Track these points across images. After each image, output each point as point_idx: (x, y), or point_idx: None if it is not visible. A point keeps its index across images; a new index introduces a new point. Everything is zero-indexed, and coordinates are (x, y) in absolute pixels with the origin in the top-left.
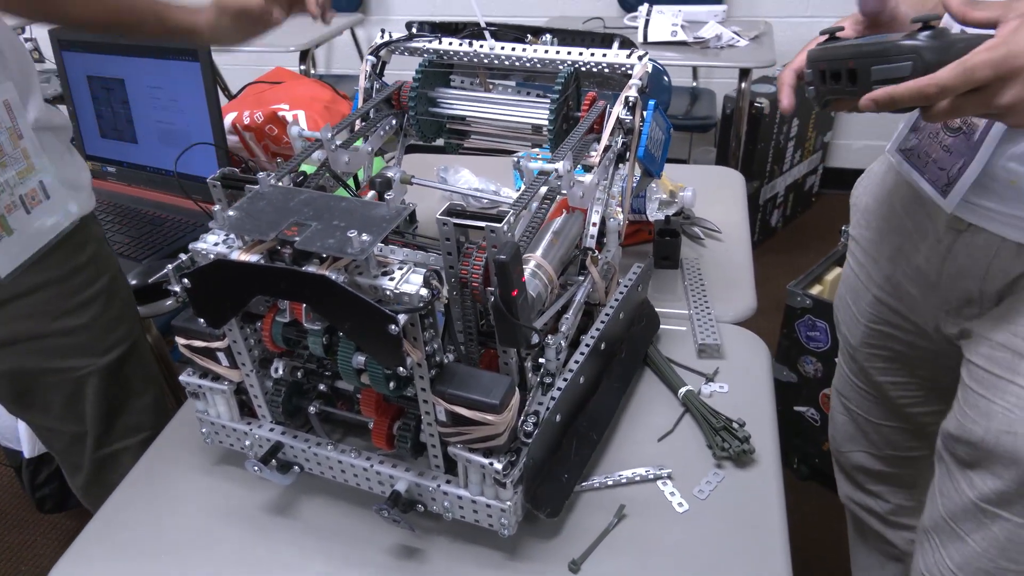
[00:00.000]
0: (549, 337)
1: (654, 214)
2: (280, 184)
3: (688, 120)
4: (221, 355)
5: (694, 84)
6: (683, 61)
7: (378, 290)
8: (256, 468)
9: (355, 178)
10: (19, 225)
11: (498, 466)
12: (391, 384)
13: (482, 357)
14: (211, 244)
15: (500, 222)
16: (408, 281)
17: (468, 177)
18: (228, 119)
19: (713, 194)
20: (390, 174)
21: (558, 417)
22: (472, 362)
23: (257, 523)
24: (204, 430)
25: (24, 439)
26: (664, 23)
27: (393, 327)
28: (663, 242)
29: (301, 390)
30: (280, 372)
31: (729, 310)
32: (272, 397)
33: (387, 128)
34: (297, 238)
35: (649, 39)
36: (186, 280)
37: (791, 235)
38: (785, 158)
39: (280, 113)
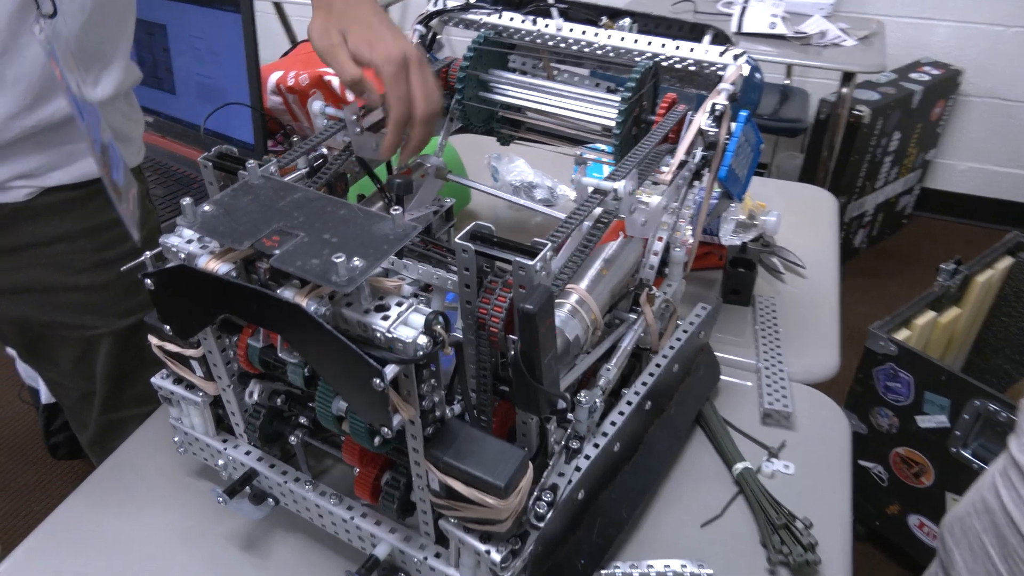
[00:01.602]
0: (582, 393)
1: (728, 238)
2: (275, 175)
3: (775, 121)
4: (196, 364)
5: (786, 82)
6: (779, 57)
7: (368, 329)
8: (220, 499)
9: (388, 164)
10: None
11: (496, 557)
12: (375, 440)
13: (497, 410)
14: (184, 240)
15: (534, 257)
16: (406, 323)
17: (523, 168)
18: (273, 78)
19: (799, 217)
20: (428, 165)
21: (581, 494)
22: (484, 416)
23: (216, 559)
24: (177, 439)
25: (42, 384)
26: (763, 13)
27: (378, 382)
28: (735, 274)
29: (282, 416)
30: (256, 397)
31: (806, 366)
32: (250, 419)
33: None
34: (277, 250)
35: (743, 29)
36: (148, 281)
37: (876, 259)
38: (879, 174)
39: (327, 77)
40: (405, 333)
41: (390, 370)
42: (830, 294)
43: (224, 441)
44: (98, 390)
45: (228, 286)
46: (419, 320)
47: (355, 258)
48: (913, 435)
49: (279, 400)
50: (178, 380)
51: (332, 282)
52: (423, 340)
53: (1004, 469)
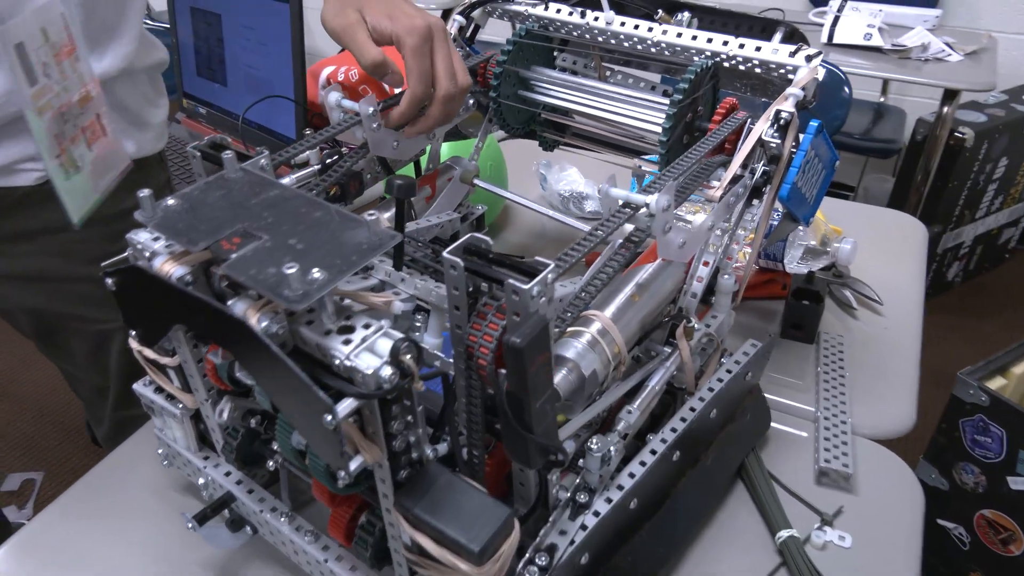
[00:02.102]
0: (594, 440)
1: (794, 265)
2: (265, 168)
3: (866, 141)
4: (173, 373)
5: (881, 99)
6: (873, 71)
7: (327, 354)
8: (190, 525)
9: (416, 164)
10: (83, 163)
11: None
12: (337, 481)
13: (494, 450)
14: (149, 237)
15: (533, 277)
16: (372, 349)
17: (574, 178)
18: (325, 72)
19: (881, 246)
20: (452, 169)
21: (586, 558)
22: (474, 459)
23: None
24: (160, 451)
25: None
26: (858, 23)
27: (328, 419)
28: (798, 306)
29: (260, 437)
30: (225, 416)
31: (875, 419)
32: (227, 438)
33: (463, 109)
34: (234, 254)
35: (835, 40)
36: (109, 280)
37: (971, 295)
38: (981, 203)
39: None
40: (366, 362)
41: (344, 406)
42: (910, 336)
43: (206, 458)
44: (112, 386)
45: (177, 293)
46: (385, 346)
47: (315, 269)
48: (1003, 497)
49: (253, 421)
50: (160, 389)
51: (283, 296)
52: (387, 372)
53: None
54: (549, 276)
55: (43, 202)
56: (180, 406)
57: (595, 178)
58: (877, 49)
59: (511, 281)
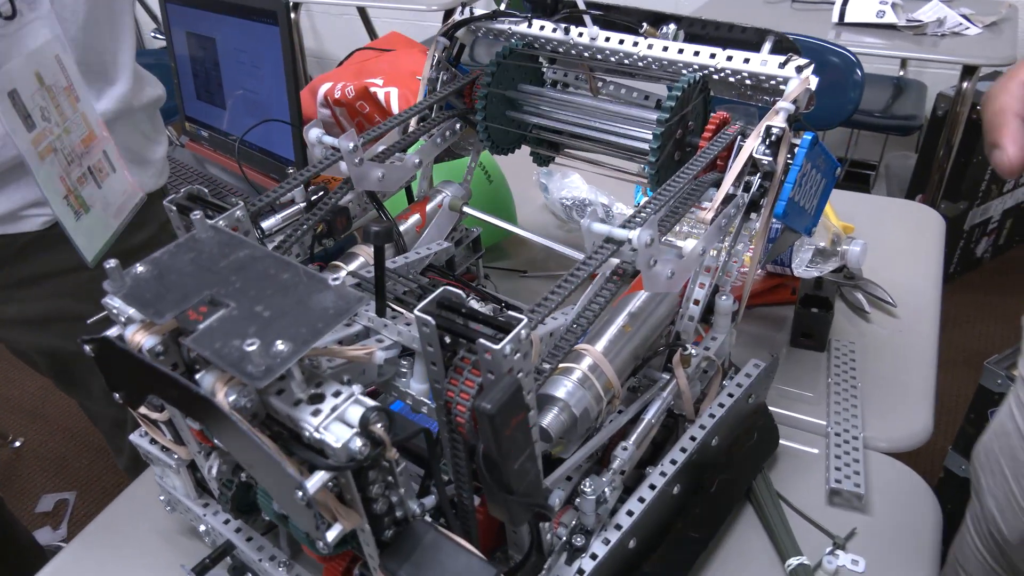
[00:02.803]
0: (587, 482)
1: (803, 269)
2: (222, 226)
3: (886, 119)
4: (164, 427)
5: (900, 74)
6: (887, 50)
7: (297, 425)
8: None
9: (408, 191)
10: (93, 201)
11: None
12: (319, 544)
13: (483, 500)
14: (123, 302)
15: (507, 333)
16: (342, 418)
17: (577, 184)
18: (322, 90)
19: (893, 241)
20: (440, 195)
21: None
22: (463, 510)
23: None
24: (162, 497)
25: None
26: (870, 1)
27: (300, 495)
28: (807, 314)
29: (253, 488)
30: (215, 471)
31: (889, 431)
32: (223, 488)
33: (449, 133)
34: (201, 325)
35: (847, 19)
36: (87, 347)
37: (1000, 271)
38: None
39: (372, 89)
40: (335, 435)
41: (314, 481)
42: (926, 339)
43: (205, 505)
44: (128, 419)
45: (145, 367)
46: (355, 414)
47: (279, 341)
48: None
49: (244, 475)
50: (155, 440)
51: (247, 373)
52: (357, 444)
53: (1016, 391)
54: (523, 332)
55: (51, 246)
56: (176, 457)
57: (598, 184)
58: (891, 26)
59: (482, 341)
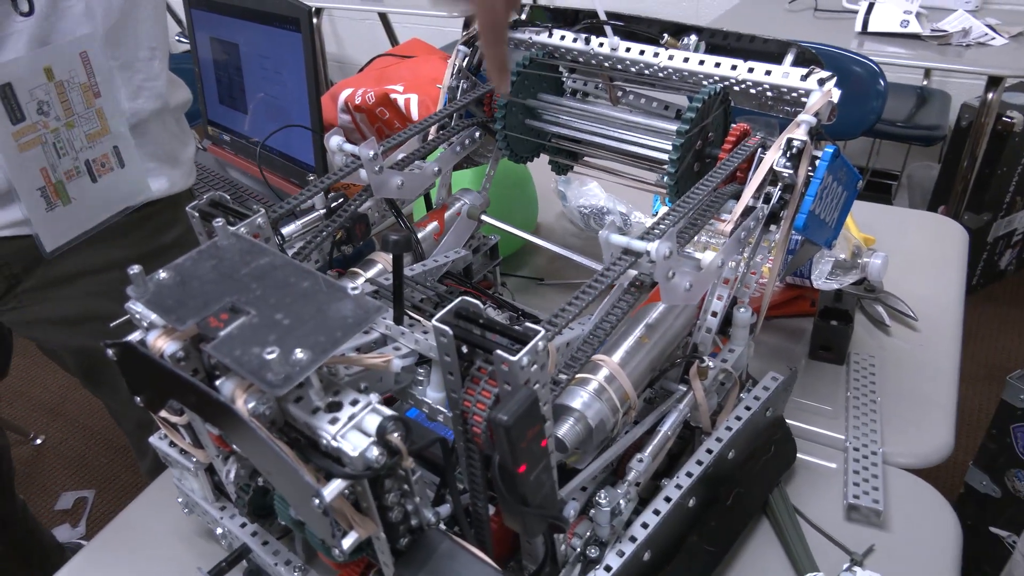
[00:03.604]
0: (602, 494)
1: (822, 281)
2: (245, 233)
3: (909, 128)
4: (183, 430)
5: (924, 83)
6: (911, 60)
7: (314, 433)
8: None
9: (427, 198)
10: (80, 194)
11: None
12: (334, 552)
13: (498, 510)
14: (145, 308)
15: (524, 343)
16: (360, 427)
17: (595, 192)
18: (343, 96)
19: (915, 254)
20: (459, 203)
21: None
22: (479, 519)
23: None
24: (180, 499)
25: None
26: (894, 10)
27: (317, 502)
28: (826, 327)
29: (270, 493)
30: (232, 475)
31: (910, 446)
32: (240, 492)
33: (468, 141)
34: (222, 332)
35: (869, 28)
36: (110, 351)
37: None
38: None
39: (392, 95)
40: (353, 443)
41: (331, 489)
42: (948, 354)
43: (222, 508)
44: (154, 421)
45: (166, 373)
46: (373, 423)
47: (298, 350)
48: None
49: (261, 480)
50: (174, 442)
51: (266, 381)
52: (374, 453)
53: None
54: (540, 344)
55: (84, 246)
56: (194, 460)
57: (616, 193)
58: (915, 36)
59: (499, 352)
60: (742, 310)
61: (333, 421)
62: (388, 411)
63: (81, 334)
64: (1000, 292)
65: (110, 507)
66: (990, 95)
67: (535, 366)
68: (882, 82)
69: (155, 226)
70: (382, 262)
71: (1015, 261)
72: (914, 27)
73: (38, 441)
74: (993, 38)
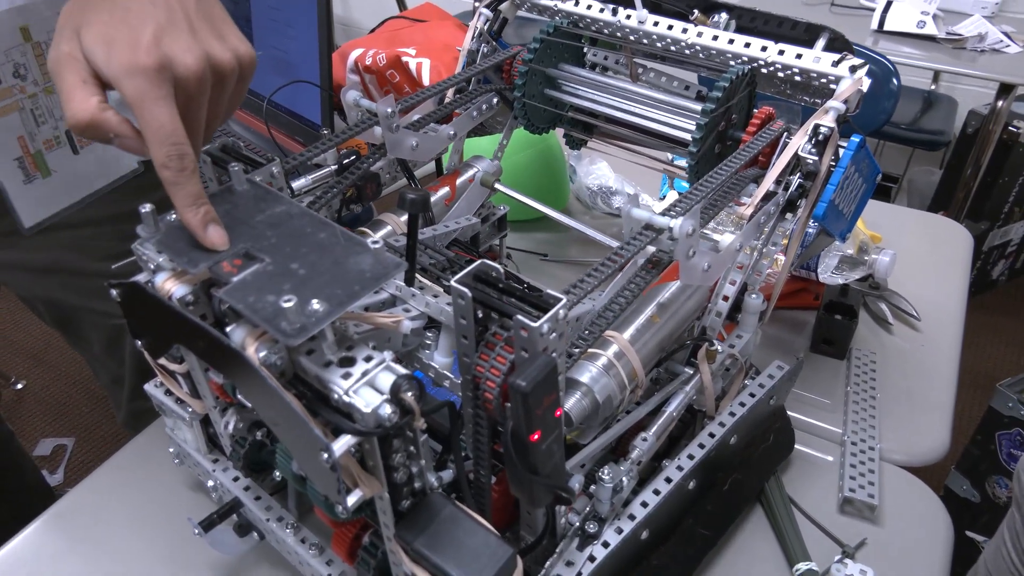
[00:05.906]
0: (605, 469)
1: (828, 275)
2: (260, 181)
3: (913, 131)
4: (181, 379)
5: (931, 87)
6: (924, 62)
7: (326, 386)
8: (196, 531)
9: (438, 163)
10: (60, 166)
11: None
12: (337, 509)
13: (500, 478)
14: (154, 249)
15: (544, 311)
16: (373, 384)
17: (604, 173)
18: (353, 56)
19: (920, 254)
20: (472, 170)
21: None
22: (480, 486)
23: None
24: (172, 449)
25: None
26: (910, 10)
27: (325, 457)
28: (830, 321)
29: (267, 447)
30: (231, 428)
31: (906, 444)
32: (235, 445)
33: (485, 107)
34: (235, 277)
35: (886, 27)
36: (114, 292)
37: (1015, 294)
38: None
39: (404, 58)
40: (365, 400)
41: (340, 444)
42: (948, 356)
43: (215, 461)
44: (127, 378)
45: (175, 316)
46: (386, 381)
47: (315, 300)
48: None
49: (259, 433)
50: (171, 391)
51: (280, 329)
52: (387, 410)
53: None
54: (560, 312)
55: None
56: (189, 410)
57: (625, 173)
58: (930, 38)
59: (519, 317)
60: (754, 296)
61: (346, 376)
62: (403, 370)
63: (51, 284)
64: (991, 301)
65: (90, 456)
66: (1000, 102)
67: (554, 334)
68: (895, 81)
69: (132, 189)
70: (392, 223)
71: (1007, 271)
72: (930, 28)
73: (19, 386)
74: (1008, 45)
